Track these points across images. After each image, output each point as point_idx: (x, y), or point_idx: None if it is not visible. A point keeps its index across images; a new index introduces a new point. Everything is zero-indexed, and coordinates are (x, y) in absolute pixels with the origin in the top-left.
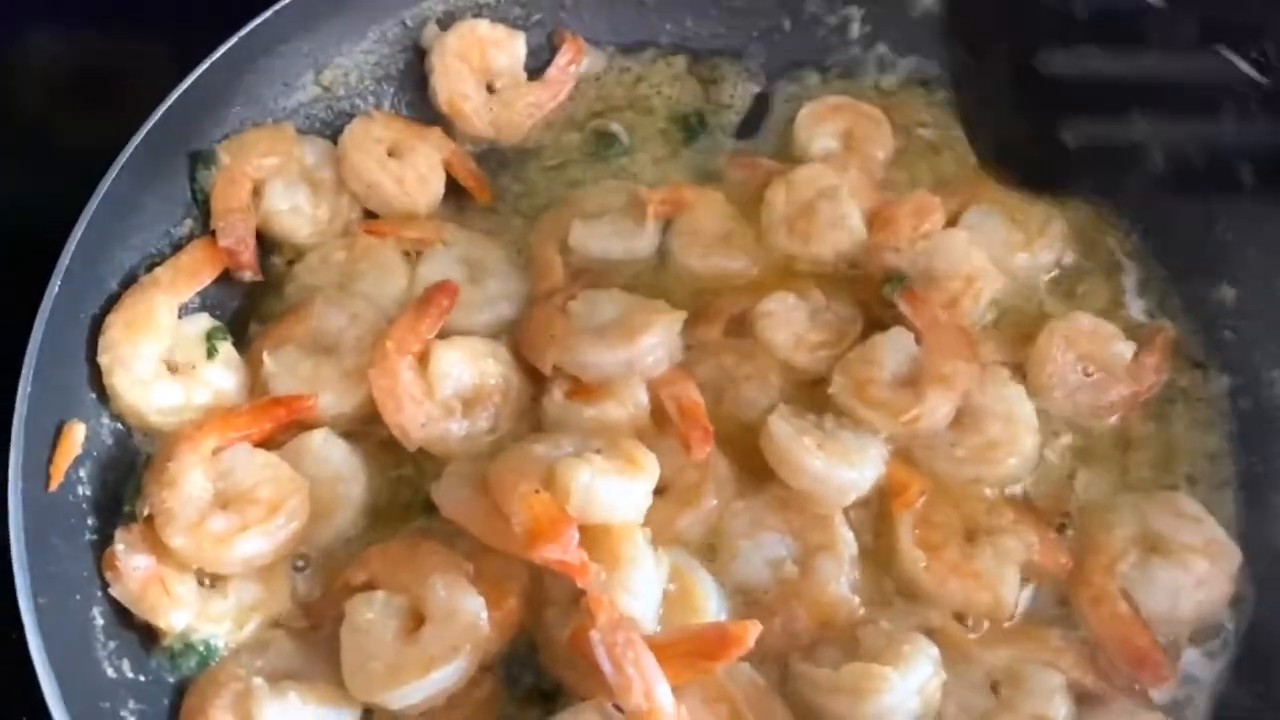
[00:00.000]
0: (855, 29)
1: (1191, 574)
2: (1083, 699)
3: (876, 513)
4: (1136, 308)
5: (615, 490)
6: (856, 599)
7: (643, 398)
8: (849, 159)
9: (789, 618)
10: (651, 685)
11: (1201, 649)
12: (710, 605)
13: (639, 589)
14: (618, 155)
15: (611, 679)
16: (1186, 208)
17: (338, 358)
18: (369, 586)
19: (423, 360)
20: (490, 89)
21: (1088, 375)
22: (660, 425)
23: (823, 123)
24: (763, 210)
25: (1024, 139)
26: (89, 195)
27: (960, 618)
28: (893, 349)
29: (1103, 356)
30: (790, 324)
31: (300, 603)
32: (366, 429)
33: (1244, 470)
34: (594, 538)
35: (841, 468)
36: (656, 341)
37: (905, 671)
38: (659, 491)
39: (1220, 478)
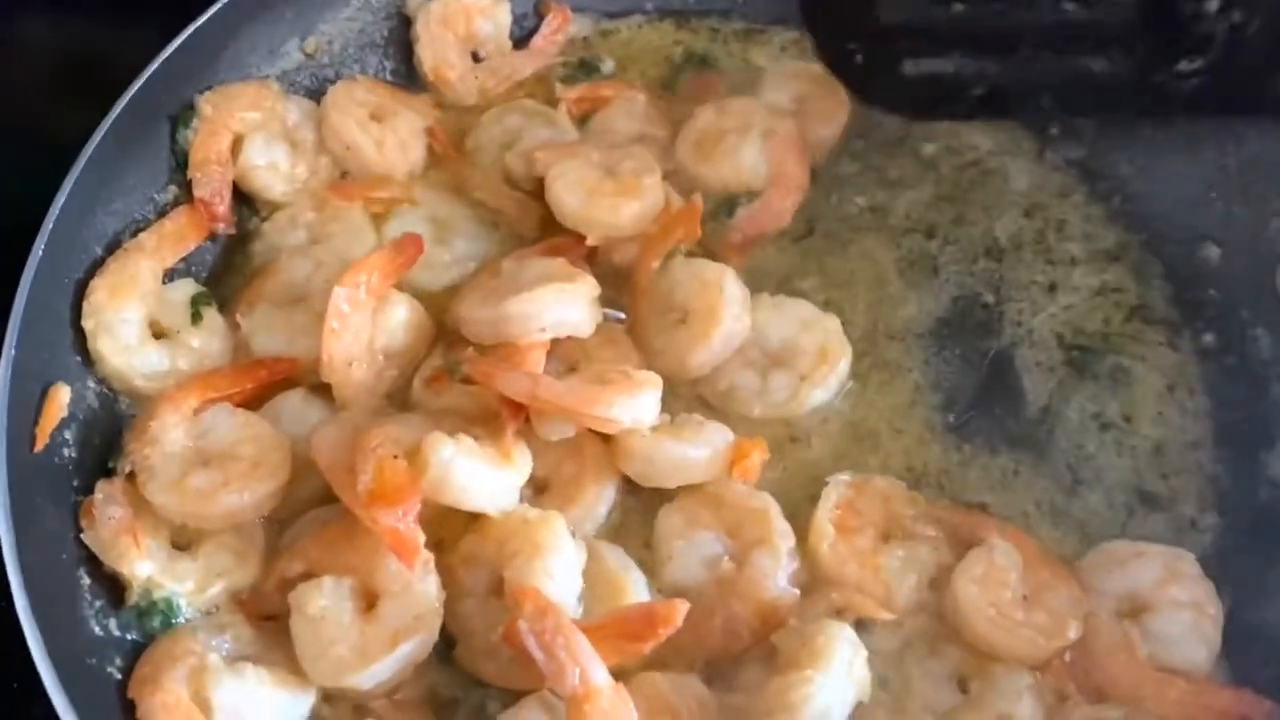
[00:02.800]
0: None
1: (1182, 617)
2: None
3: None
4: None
5: (474, 475)
6: (797, 591)
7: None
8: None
9: (729, 616)
10: (586, 667)
11: None
12: (634, 589)
13: (559, 574)
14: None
15: (544, 667)
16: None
17: (307, 304)
18: (306, 575)
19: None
20: (475, 57)
21: None
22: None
23: (788, 80)
24: (687, 122)
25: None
26: (73, 163)
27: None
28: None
29: None
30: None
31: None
32: None
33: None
34: (513, 526)
35: (681, 445)
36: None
37: (826, 666)
38: (540, 491)
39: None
